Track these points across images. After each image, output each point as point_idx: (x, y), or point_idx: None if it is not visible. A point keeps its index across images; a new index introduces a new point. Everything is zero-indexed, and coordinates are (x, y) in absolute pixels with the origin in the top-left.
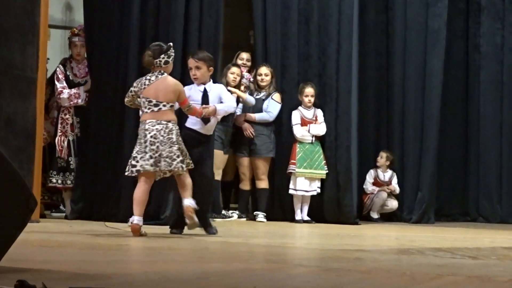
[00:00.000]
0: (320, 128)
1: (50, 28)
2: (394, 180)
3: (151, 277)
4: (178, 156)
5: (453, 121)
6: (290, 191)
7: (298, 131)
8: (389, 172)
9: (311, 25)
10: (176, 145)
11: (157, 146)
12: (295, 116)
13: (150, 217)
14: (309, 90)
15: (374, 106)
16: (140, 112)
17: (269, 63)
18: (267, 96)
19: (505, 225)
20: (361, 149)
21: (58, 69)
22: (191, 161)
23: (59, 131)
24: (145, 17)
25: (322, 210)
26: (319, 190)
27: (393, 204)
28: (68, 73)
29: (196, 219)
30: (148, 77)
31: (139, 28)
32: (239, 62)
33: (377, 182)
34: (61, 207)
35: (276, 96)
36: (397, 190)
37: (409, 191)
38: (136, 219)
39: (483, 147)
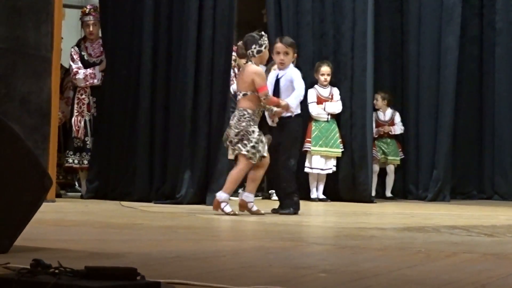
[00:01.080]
0: (335, 106)
1: (65, 7)
2: (397, 118)
3: (166, 256)
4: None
5: (468, 99)
6: (306, 169)
7: (314, 109)
8: (390, 111)
9: (326, 2)
10: (237, 130)
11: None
12: (311, 94)
13: (166, 196)
14: (325, 69)
15: (389, 83)
16: None
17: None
18: None
19: None
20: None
21: (72, 49)
22: (259, 154)
23: (76, 111)
24: None
25: (337, 188)
26: (334, 169)
27: (390, 169)
28: (83, 53)
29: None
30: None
31: (153, 6)
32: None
33: (378, 124)
34: (76, 186)
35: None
36: (398, 130)
37: (425, 169)
38: (244, 195)
39: (498, 125)
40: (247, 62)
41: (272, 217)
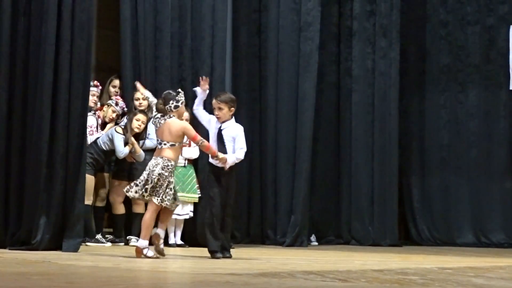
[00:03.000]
0: (193, 152)
1: None
2: None
3: None
4: (151, 184)
5: (325, 144)
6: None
7: None
8: None
9: (184, 48)
10: (153, 176)
11: (146, 176)
12: None
13: (21, 242)
14: (184, 114)
15: (247, 128)
16: None
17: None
18: (147, 121)
19: (376, 247)
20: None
21: None
22: (171, 201)
23: None
24: (16, 38)
25: (195, 234)
26: (191, 214)
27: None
28: None
29: (159, 248)
30: (162, 120)
31: (9, 48)
32: (112, 89)
33: None
34: None
35: None
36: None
37: (283, 214)
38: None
39: (355, 169)
40: (163, 116)
41: (128, 264)
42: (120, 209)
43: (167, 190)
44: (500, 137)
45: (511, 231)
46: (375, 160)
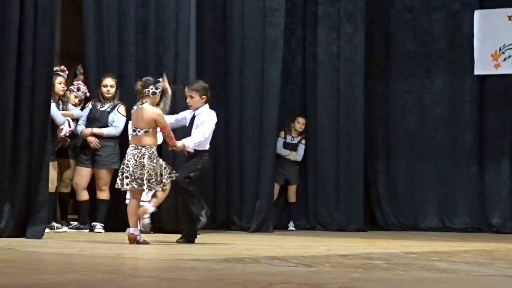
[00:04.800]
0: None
1: None
2: None
3: None
4: (149, 177)
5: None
6: (127, 201)
7: None
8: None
9: (149, 34)
10: (146, 168)
11: (132, 169)
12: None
13: None
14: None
15: None
16: None
17: (108, 72)
18: (112, 108)
19: (342, 233)
20: None
21: None
22: (168, 179)
23: None
24: None
25: (160, 220)
26: None
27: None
28: None
29: (146, 221)
30: (134, 106)
31: None
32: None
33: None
34: None
35: (122, 108)
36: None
37: (248, 200)
38: (131, 229)
39: (320, 155)
40: (141, 100)
41: (93, 250)
42: (84, 195)
43: (162, 173)
44: (465, 122)
45: (475, 216)
46: (341, 145)
